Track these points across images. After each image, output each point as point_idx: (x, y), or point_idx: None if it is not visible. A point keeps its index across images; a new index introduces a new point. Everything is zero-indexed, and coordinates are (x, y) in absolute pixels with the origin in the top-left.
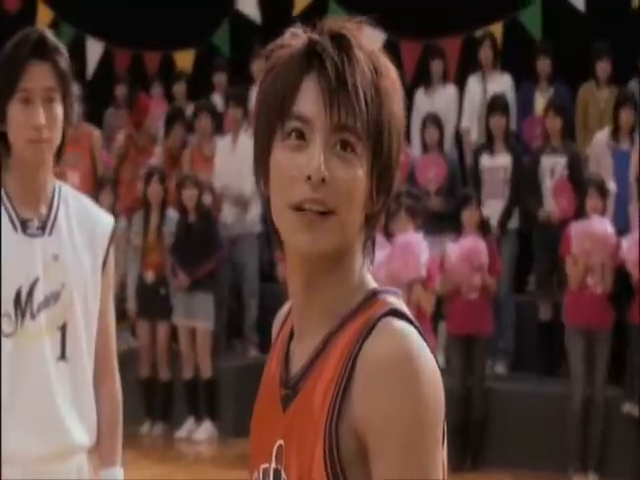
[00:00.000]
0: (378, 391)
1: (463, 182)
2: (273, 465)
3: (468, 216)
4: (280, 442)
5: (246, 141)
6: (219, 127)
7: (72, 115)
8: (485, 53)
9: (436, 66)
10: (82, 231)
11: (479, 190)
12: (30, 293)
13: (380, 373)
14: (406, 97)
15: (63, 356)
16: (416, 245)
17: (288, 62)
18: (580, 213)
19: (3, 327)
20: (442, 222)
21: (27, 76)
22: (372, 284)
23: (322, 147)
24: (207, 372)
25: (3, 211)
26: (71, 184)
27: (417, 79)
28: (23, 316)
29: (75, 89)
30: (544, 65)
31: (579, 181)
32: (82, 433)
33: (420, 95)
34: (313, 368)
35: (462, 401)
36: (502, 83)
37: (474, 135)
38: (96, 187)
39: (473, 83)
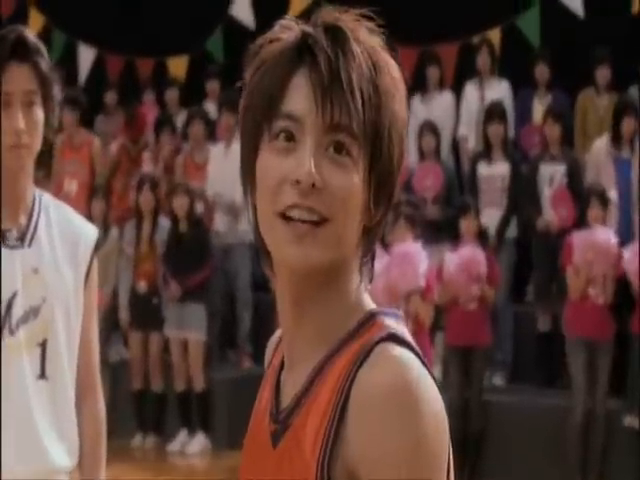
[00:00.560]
0: (373, 423)
1: (460, 191)
2: None
3: (466, 225)
4: None
5: (239, 148)
6: (212, 134)
7: (53, 120)
8: (482, 59)
9: (432, 72)
10: (64, 242)
11: (476, 199)
12: (8, 308)
13: (375, 404)
14: None
15: (43, 374)
16: (415, 255)
17: (278, 57)
18: (580, 222)
19: None
20: (439, 231)
21: (5, 78)
22: (369, 305)
23: (313, 149)
24: (200, 384)
25: None
26: (68, 192)
27: (413, 86)
28: (0, 332)
29: (80, 96)
30: (542, 71)
31: (578, 189)
32: (62, 454)
33: (416, 102)
34: (304, 401)
35: (460, 413)
36: (500, 90)
37: (471, 143)
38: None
39: (470, 90)
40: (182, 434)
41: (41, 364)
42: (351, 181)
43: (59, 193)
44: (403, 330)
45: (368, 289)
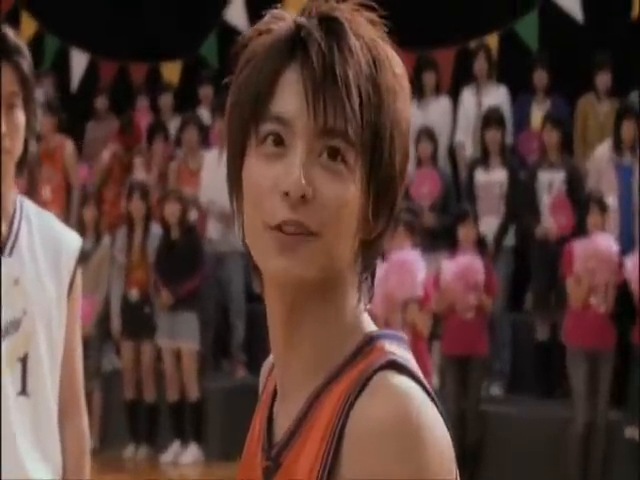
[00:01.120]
0: (370, 456)
1: (457, 198)
2: None
3: (464, 233)
4: None
5: None
6: (205, 140)
7: (35, 123)
8: (480, 65)
9: (429, 78)
10: (46, 252)
11: (474, 206)
12: None
13: (373, 438)
14: None
15: (24, 391)
16: (413, 263)
17: (268, 50)
18: (579, 230)
19: None
20: (436, 239)
21: None
22: (369, 326)
23: (304, 155)
24: (193, 394)
25: None
26: (44, 199)
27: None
28: None
29: (55, 101)
30: (541, 77)
31: (578, 197)
32: (45, 474)
33: (413, 108)
34: (297, 436)
35: (457, 424)
36: (497, 95)
37: (469, 149)
38: (69, 202)
39: (467, 95)
40: (175, 445)
41: (22, 380)
42: (346, 191)
43: (38, 200)
44: (404, 355)
45: (368, 308)
